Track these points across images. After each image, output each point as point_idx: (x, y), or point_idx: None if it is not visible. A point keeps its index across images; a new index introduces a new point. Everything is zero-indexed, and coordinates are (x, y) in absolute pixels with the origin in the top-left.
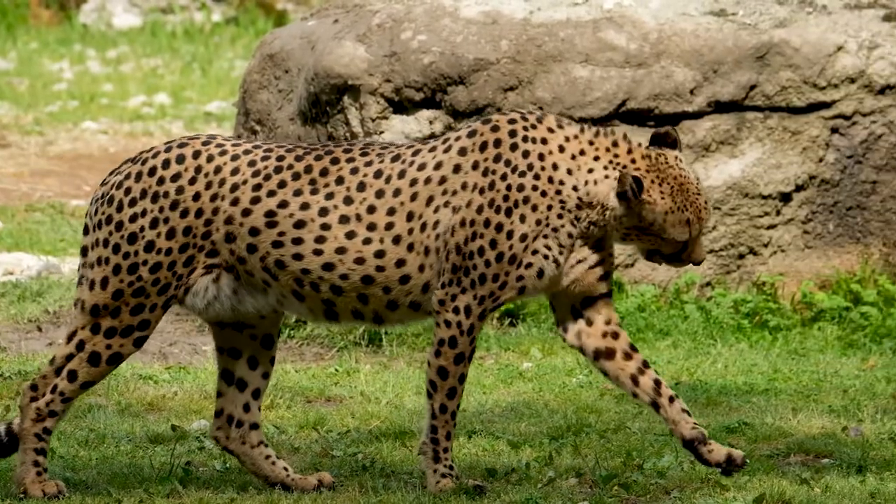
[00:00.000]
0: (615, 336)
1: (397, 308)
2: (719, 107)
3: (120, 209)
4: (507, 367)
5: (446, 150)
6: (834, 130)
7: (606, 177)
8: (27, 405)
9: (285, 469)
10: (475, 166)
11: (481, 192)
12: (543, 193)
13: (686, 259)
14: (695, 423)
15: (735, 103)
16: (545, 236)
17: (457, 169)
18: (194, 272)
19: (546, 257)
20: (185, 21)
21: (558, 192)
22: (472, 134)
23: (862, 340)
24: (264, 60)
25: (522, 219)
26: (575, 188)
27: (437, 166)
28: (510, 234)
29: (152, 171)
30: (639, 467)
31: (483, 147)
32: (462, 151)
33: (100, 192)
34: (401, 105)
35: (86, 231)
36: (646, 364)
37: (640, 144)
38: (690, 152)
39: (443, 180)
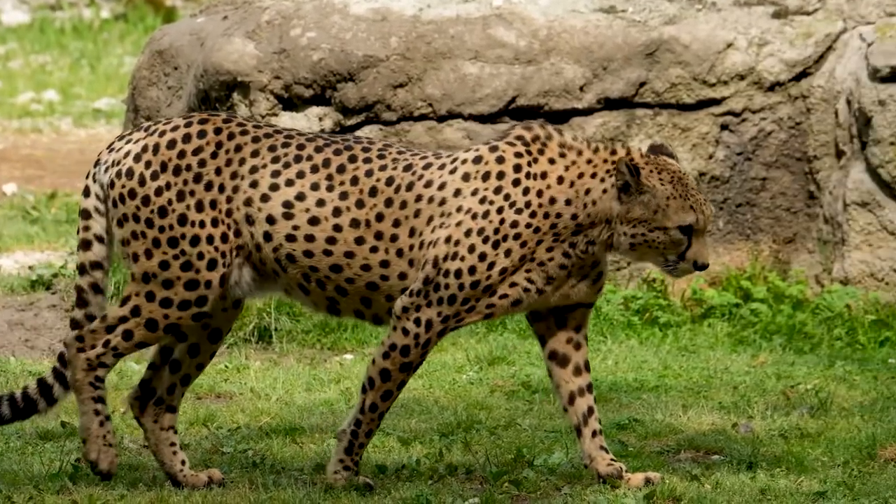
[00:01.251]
0: (577, 347)
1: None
2: (609, 104)
3: (143, 183)
4: None
5: (452, 172)
6: (724, 127)
7: (605, 191)
8: (75, 355)
9: (182, 462)
10: (474, 193)
11: (473, 217)
12: (536, 230)
13: (690, 259)
14: (612, 460)
15: (625, 100)
16: (528, 270)
17: (457, 193)
18: (232, 253)
19: (527, 290)
20: (73, 17)
21: (553, 227)
22: (477, 160)
23: (752, 337)
24: (153, 57)
25: (507, 253)
26: (574, 216)
27: (441, 187)
28: (491, 266)
29: (172, 144)
30: (529, 464)
31: (486, 177)
32: (466, 177)
33: (109, 159)
34: (290, 102)
35: (86, 193)
36: (589, 388)
37: (639, 149)
38: None
39: (442, 202)
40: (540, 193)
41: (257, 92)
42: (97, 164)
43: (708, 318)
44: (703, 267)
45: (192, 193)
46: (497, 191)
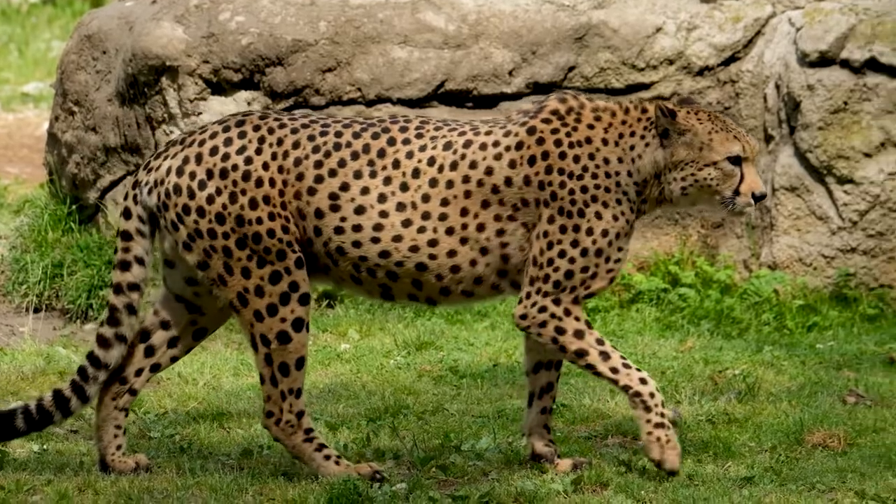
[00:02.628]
0: None
1: (449, 294)
2: (538, 88)
3: (192, 196)
4: (324, 348)
5: (497, 158)
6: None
7: (647, 145)
8: (276, 430)
9: (118, 448)
10: (527, 182)
11: (546, 204)
12: (607, 190)
13: (746, 191)
14: (550, 441)
15: (554, 84)
16: (618, 236)
17: (509, 182)
18: (295, 243)
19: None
20: (1, 2)
21: (618, 185)
22: (519, 146)
23: (680, 322)
24: (82, 41)
25: (599, 216)
26: (630, 174)
27: (489, 172)
28: (590, 231)
29: (214, 151)
30: (457, 449)
31: (531, 161)
32: (512, 164)
33: (150, 179)
34: (219, 86)
35: (127, 215)
36: (557, 365)
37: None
38: None
39: (495, 189)
40: (592, 156)
41: (186, 76)
42: (136, 185)
43: (636, 303)
44: (762, 197)
45: (243, 193)
46: (548, 170)
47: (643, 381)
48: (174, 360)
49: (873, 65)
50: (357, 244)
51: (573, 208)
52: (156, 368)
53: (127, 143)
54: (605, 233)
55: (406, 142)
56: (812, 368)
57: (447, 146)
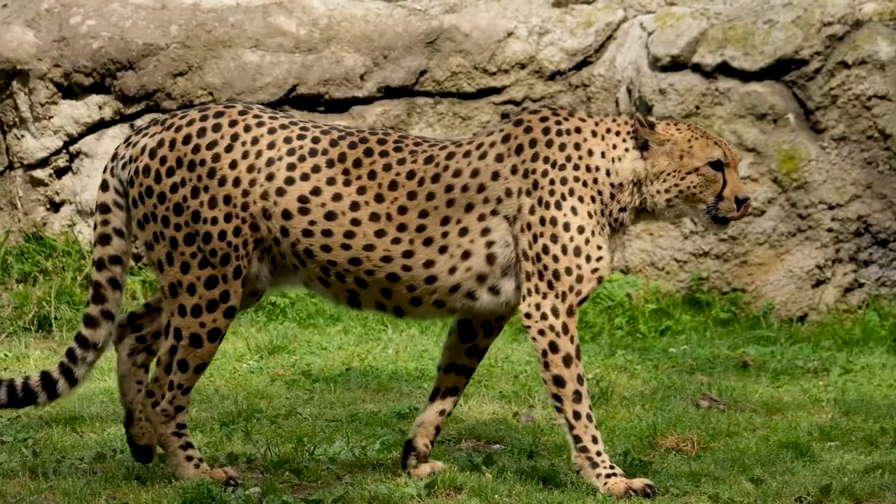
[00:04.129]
0: (488, 332)
1: (420, 304)
2: (389, 92)
3: (158, 180)
4: None
5: (482, 157)
6: (504, 116)
7: (627, 150)
8: (151, 412)
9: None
10: (514, 171)
11: (528, 194)
12: (584, 184)
13: (730, 196)
14: (430, 443)
15: (405, 88)
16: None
17: (496, 176)
18: (248, 245)
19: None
20: None
21: (595, 181)
22: (506, 139)
23: None
24: None
25: (574, 211)
26: (608, 173)
27: (474, 174)
28: (567, 227)
29: (187, 139)
30: (310, 453)
31: (519, 150)
32: (499, 158)
33: (127, 154)
34: (70, 90)
35: (104, 187)
36: (469, 373)
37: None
38: None
39: (481, 188)
40: (577, 146)
41: (37, 80)
42: (115, 157)
43: None
44: (745, 200)
45: (205, 189)
46: (534, 158)
47: (594, 440)
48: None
49: (725, 69)
50: (326, 248)
51: (551, 199)
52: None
53: None
54: (580, 229)
55: (384, 154)
56: (665, 372)
57: (428, 160)
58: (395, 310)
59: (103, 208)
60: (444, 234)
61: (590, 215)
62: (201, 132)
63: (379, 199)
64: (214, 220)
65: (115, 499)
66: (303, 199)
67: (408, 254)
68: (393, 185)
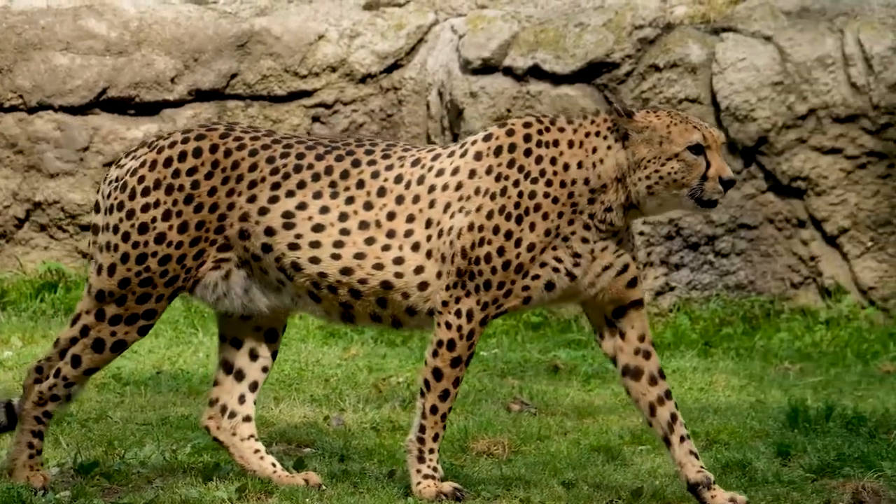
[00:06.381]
0: (647, 356)
1: (415, 314)
2: (200, 95)
3: (133, 197)
4: None
5: (463, 155)
6: (315, 119)
7: (609, 147)
8: (30, 386)
9: (273, 465)
10: (488, 171)
11: (492, 197)
12: (555, 200)
13: (714, 176)
14: (701, 467)
15: (216, 91)
16: (554, 248)
17: (472, 174)
18: (204, 265)
19: (556, 270)
20: None
21: (570, 195)
22: (487, 138)
23: (343, 330)
24: None
25: (532, 227)
26: (586, 181)
27: (455, 171)
28: (518, 243)
29: (168, 162)
30: (121, 457)
31: (497, 152)
32: (478, 156)
33: (114, 174)
34: None
35: (97, 209)
36: (668, 394)
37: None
38: None
39: (458, 186)
40: (553, 161)
41: None
42: (105, 179)
43: None
44: (730, 181)
45: (178, 214)
46: (510, 164)
47: (435, 439)
48: (266, 370)
49: (536, 72)
50: (315, 260)
51: (514, 211)
52: (255, 387)
53: None
54: (530, 247)
55: (371, 163)
56: (476, 376)
57: (415, 163)
58: (393, 320)
59: (95, 230)
60: (428, 238)
61: (547, 233)
62: (182, 156)
63: (368, 206)
64: (179, 245)
65: None
66: (288, 215)
67: (398, 260)
68: (381, 192)
